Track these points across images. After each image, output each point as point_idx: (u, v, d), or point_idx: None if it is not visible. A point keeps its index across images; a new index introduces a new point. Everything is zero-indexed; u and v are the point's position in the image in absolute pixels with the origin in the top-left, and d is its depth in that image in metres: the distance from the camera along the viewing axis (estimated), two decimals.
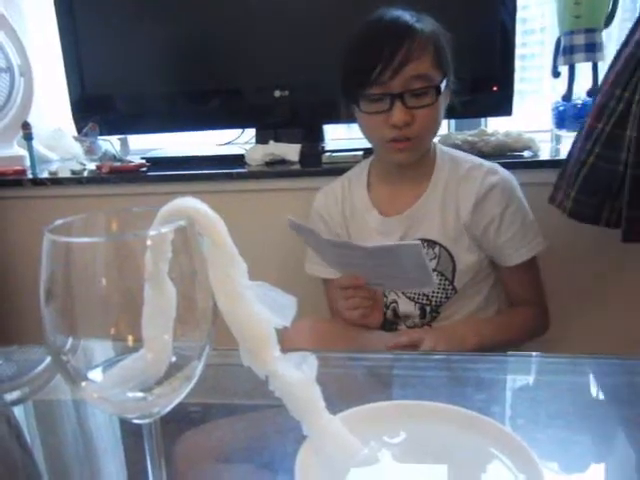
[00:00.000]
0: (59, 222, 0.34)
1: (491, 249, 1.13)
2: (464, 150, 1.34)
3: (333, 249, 1.02)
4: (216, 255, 0.34)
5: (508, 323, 1.16)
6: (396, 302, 1.16)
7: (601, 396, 0.67)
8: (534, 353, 0.75)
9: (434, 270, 1.12)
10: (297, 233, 1.06)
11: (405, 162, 1.10)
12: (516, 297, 1.19)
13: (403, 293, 1.15)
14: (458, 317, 1.15)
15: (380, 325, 1.10)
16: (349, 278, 1.03)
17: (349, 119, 1.14)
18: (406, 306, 1.15)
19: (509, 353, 0.84)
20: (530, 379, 0.71)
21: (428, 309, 1.14)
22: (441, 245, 1.12)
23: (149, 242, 0.32)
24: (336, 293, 1.10)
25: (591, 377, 0.71)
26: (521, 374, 0.73)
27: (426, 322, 1.16)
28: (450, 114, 1.18)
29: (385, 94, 1.03)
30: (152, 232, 0.32)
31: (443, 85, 1.05)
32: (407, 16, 1.05)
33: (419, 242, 0.93)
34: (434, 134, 1.14)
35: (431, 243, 1.12)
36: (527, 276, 1.17)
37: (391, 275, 0.99)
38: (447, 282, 1.13)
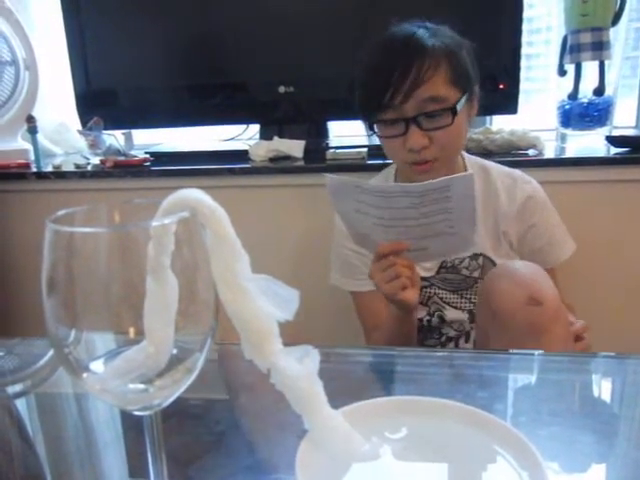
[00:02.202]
0: (62, 212, 0.34)
1: (526, 254, 1.14)
2: (468, 149, 1.34)
3: (377, 203, 0.92)
4: (219, 247, 0.34)
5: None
6: (441, 310, 1.15)
7: (603, 394, 0.67)
8: (536, 351, 0.75)
9: (479, 279, 1.13)
10: (333, 196, 0.97)
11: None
12: None
13: (448, 304, 1.15)
14: None
15: (417, 304, 1.03)
16: (389, 245, 0.95)
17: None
18: (453, 314, 1.15)
19: (511, 351, 0.84)
20: (532, 377, 0.71)
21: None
22: (485, 256, 1.13)
23: (152, 233, 0.32)
24: (372, 303, 1.09)
25: (593, 375, 0.71)
26: (523, 372, 0.73)
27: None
28: None
29: (399, 119, 1.01)
30: (155, 223, 0.32)
31: (460, 103, 1.02)
32: (420, 32, 1.01)
33: (471, 172, 0.89)
34: (457, 153, 1.11)
35: (473, 255, 1.13)
36: (555, 276, 1.17)
37: (435, 231, 0.94)
38: None
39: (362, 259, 1.16)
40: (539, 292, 0.87)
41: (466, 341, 1.17)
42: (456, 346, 1.17)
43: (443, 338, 1.17)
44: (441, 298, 1.15)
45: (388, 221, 0.93)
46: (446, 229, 0.92)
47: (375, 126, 1.06)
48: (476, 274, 1.13)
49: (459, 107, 1.01)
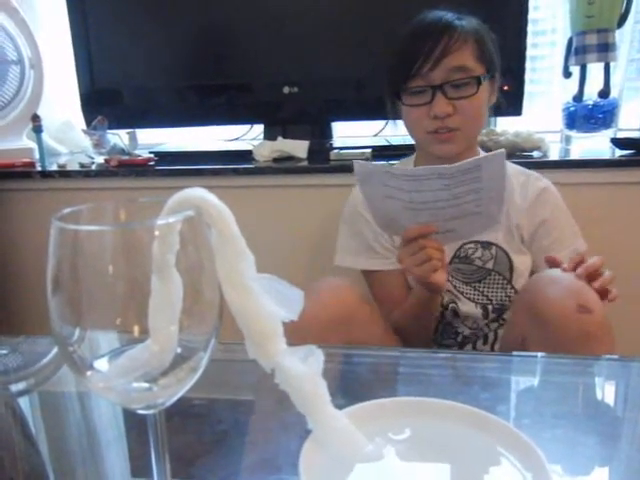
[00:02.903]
0: (67, 210, 0.34)
1: (535, 250, 1.15)
2: None
3: (407, 187, 0.92)
4: (223, 246, 0.34)
5: None
6: (455, 302, 1.15)
7: (607, 397, 0.67)
8: (539, 354, 0.75)
9: (492, 270, 1.14)
10: (361, 182, 0.97)
11: (449, 154, 1.09)
12: None
13: (462, 293, 1.15)
14: None
15: (445, 286, 1.04)
16: (418, 228, 0.95)
17: (394, 117, 1.17)
18: (466, 306, 1.15)
19: (514, 353, 0.84)
20: (535, 379, 0.71)
21: (490, 308, 1.14)
22: (497, 246, 1.14)
23: (157, 232, 0.32)
24: (387, 282, 1.11)
25: (596, 378, 0.71)
26: (527, 374, 0.72)
27: (489, 323, 1.15)
28: None
29: (426, 86, 1.06)
30: (160, 222, 0.32)
31: (485, 77, 1.06)
32: (450, 15, 1.08)
33: (503, 150, 0.89)
34: (478, 129, 1.15)
35: (486, 244, 1.14)
36: None
37: (464, 211, 0.93)
38: (505, 281, 1.14)
39: (379, 239, 1.18)
40: (588, 300, 0.89)
41: (484, 343, 1.17)
42: (474, 348, 1.16)
43: (459, 338, 1.17)
44: (455, 286, 1.15)
45: (418, 204, 0.94)
46: (473, 209, 0.93)
47: (402, 96, 1.09)
48: (489, 265, 1.14)
49: (483, 80, 1.06)
